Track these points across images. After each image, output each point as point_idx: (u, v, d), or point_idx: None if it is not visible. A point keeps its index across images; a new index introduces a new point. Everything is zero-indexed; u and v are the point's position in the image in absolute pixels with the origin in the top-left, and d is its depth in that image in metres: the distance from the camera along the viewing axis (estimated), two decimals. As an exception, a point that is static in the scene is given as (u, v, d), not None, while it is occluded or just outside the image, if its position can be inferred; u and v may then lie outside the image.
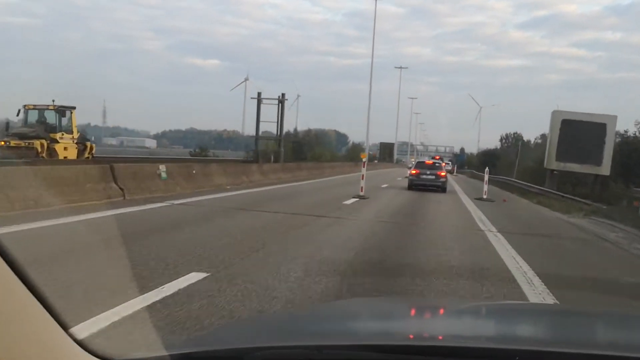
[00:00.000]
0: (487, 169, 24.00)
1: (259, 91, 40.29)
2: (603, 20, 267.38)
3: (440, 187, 23.80)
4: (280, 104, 39.60)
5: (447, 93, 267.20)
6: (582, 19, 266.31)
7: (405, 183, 25.40)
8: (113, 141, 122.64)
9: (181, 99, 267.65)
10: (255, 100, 39.50)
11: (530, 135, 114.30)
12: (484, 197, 21.52)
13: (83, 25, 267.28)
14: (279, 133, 39.74)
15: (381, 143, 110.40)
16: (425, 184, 23.69)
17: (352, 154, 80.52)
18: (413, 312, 2.48)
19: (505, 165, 52.97)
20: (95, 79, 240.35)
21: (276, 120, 40.05)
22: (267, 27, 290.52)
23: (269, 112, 40.74)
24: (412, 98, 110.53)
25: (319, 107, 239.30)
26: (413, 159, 41.87)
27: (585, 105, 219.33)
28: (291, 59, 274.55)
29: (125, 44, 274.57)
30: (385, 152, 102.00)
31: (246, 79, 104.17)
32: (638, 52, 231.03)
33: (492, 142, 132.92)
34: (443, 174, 24.38)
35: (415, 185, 23.84)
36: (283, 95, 39.58)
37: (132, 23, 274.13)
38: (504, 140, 73.17)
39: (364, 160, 22.33)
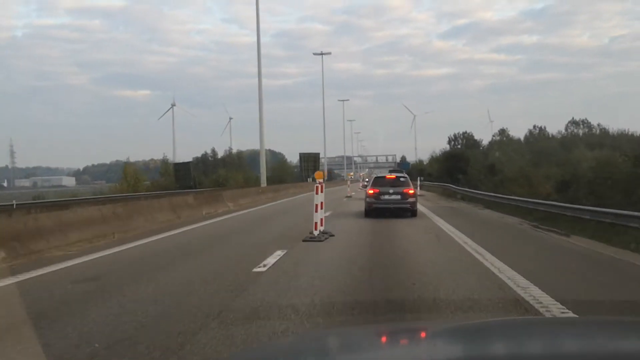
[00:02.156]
0: None
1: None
2: (519, 24, 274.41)
3: (409, 210, 18.22)
4: None
5: (382, 105, 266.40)
6: (499, 24, 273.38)
7: None
8: (26, 182, 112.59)
9: (109, 132, 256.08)
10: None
11: (480, 135, 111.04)
12: None
13: (2, 65, 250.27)
14: None
15: (301, 154, 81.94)
16: (389, 206, 18.10)
17: (279, 173, 72.09)
18: (384, 339, 2.01)
19: (479, 171, 35.99)
20: (16, 119, 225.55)
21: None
22: (196, 54, 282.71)
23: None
24: (343, 100, 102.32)
25: (254, 128, 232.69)
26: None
27: (512, 106, 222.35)
28: (223, 83, 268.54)
29: (49, 80, 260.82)
30: (309, 167, 74.01)
31: (173, 105, 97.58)
32: (554, 52, 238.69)
33: (432, 148, 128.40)
34: (412, 191, 18.60)
35: (375, 210, 18.15)
36: None
37: (54, 59, 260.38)
38: (452, 142, 67.40)
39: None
